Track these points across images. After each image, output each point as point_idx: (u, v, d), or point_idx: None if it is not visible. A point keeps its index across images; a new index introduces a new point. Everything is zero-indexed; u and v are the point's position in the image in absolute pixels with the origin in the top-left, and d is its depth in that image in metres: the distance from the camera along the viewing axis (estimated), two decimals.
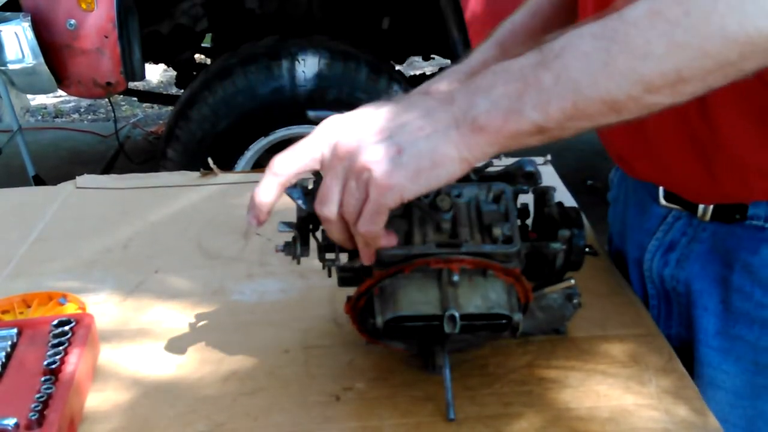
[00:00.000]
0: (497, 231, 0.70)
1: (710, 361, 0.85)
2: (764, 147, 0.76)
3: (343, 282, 0.78)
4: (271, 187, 0.66)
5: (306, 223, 0.75)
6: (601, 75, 0.58)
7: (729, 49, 0.56)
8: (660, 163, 0.85)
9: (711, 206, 0.83)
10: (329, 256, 0.76)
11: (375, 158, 0.61)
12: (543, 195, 0.80)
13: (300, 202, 0.72)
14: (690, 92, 0.59)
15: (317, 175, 0.68)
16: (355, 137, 0.63)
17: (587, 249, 0.79)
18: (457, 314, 0.68)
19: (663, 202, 0.88)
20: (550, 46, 0.61)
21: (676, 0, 0.57)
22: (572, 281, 0.79)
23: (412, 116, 0.63)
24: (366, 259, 0.69)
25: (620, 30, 0.58)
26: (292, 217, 0.75)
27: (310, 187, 0.73)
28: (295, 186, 0.72)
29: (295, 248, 0.76)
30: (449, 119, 0.62)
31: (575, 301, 0.81)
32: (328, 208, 0.64)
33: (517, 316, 0.70)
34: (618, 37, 0.58)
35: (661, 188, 0.87)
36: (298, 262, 0.77)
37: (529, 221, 0.82)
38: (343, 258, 0.76)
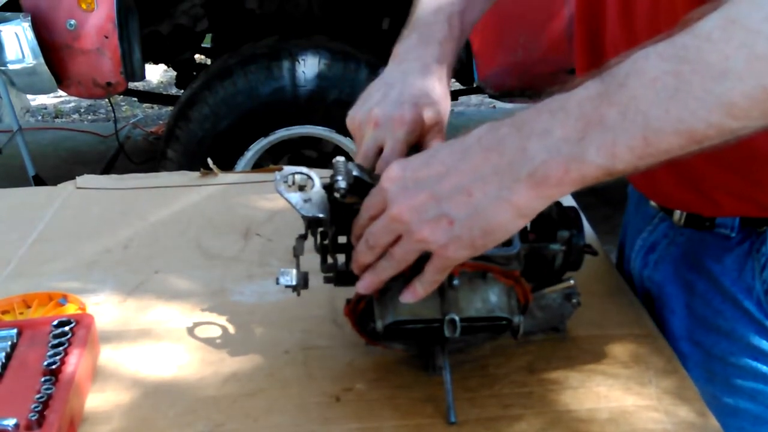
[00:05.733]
0: None
1: None
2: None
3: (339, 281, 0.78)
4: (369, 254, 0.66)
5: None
6: (673, 103, 0.51)
7: None
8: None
9: (684, 212, 0.83)
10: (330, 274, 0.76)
11: (428, 234, 0.60)
12: None
13: (299, 207, 0.71)
14: None
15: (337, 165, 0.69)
16: (408, 203, 0.61)
17: (586, 249, 0.79)
18: (457, 318, 0.68)
19: (652, 202, 0.88)
20: (612, 73, 0.53)
21: (754, 4, 0.49)
22: (572, 281, 0.79)
23: (459, 177, 0.59)
24: (363, 288, 0.68)
25: (691, 46, 0.50)
26: (296, 218, 0.75)
27: (308, 189, 0.72)
28: (290, 183, 0.72)
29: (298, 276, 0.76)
30: (500, 178, 0.57)
31: (574, 300, 0.81)
32: (370, 255, 0.66)
33: (518, 319, 0.70)
34: (689, 56, 0.50)
35: None
36: (298, 294, 0.77)
37: None
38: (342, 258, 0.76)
